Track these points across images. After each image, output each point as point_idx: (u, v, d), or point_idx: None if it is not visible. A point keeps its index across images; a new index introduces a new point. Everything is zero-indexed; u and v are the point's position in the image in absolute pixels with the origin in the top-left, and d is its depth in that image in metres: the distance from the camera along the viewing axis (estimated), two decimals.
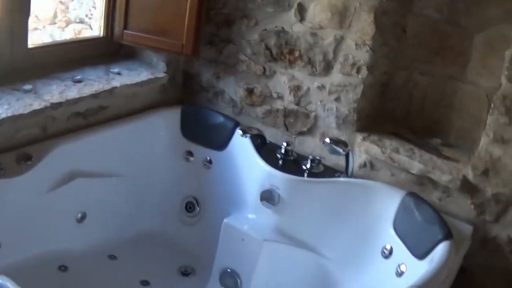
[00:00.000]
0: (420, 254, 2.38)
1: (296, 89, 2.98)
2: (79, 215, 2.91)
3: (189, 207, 3.22)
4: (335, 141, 2.69)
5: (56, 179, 2.78)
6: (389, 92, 3.01)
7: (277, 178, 2.81)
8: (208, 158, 3.12)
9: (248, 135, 2.89)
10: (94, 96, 2.84)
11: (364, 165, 2.86)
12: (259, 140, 2.95)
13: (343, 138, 2.84)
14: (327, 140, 2.69)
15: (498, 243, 2.67)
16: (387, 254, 2.61)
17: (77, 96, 2.78)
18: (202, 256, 3.07)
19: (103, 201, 3.01)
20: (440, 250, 2.31)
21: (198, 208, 3.20)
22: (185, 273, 3.03)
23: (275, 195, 2.79)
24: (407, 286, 2.08)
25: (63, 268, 2.81)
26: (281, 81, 3.02)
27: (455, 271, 2.52)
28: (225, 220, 2.85)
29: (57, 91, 2.77)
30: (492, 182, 2.58)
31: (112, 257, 3.02)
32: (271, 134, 3.09)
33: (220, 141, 3.07)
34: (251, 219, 2.89)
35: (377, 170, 2.83)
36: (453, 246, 2.35)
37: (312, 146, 3.00)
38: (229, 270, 2.85)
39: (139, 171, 3.14)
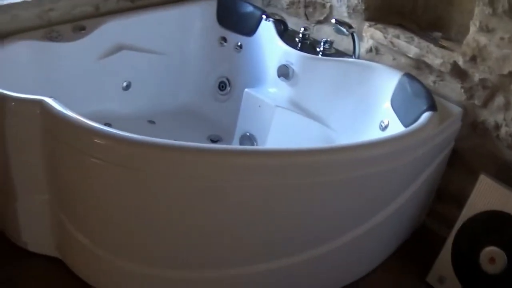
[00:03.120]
0: (408, 123, 2.65)
1: None
2: (125, 84, 3.37)
3: (222, 86, 3.65)
4: (340, 22, 3.04)
5: (105, 49, 3.23)
6: None
7: (292, 55, 3.19)
8: (239, 43, 3.52)
9: (271, 19, 3.29)
10: None
11: (370, 50, 3.20)
12: (281, 26, 3.33)
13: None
14: (333, 20, 3.04)
15: (486, 127, 2.92)
16: (384, 127, 2.92)
17: None
18: (229, 127, 3.47)
19: (146, 74, 3.44)
20: (423, 118, 2.60)
21: (229, 88, 3.63)
22: (213, 140, 3.48)
23: (289, 70, 3.18)
24: None
25: (107, 125, 3.22)
26: None
27: (440, 144, 2.78)
28: (246, 90, 3.27)
29: None
30: (479, 68, 2.82)
31: (151, 122, 3.48)
32: (294, 23, 3.46)
33: (250, 28, 3.46)
34: (269, 91, 3.30)
35: (381, 55, 3.17)
36: (436, 117, 2.64)
37: (328, 33, 3.35)
38: (247, 134, 3.29)
39: (179, 52, 3.56)
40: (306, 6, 3.40)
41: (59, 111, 2.28)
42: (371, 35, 3.12)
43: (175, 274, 2.49)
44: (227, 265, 2.49)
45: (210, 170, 2.18)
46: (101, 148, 2.19)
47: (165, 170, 2.18)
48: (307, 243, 2.53)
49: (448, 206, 3.18)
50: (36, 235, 2.75)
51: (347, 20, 3.20)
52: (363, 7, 3.16)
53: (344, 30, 3.03)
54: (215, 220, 2.32)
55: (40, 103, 2.32)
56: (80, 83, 3.15)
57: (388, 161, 2.45)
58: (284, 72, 3.20)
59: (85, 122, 2.20)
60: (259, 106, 3.22)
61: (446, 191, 3.18)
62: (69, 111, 2.26)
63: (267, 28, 3.36)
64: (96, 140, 2.18)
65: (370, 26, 3.14)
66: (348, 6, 3.21)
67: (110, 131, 2.16)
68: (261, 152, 2.29)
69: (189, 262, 2.46)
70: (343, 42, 3.26)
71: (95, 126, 2.18)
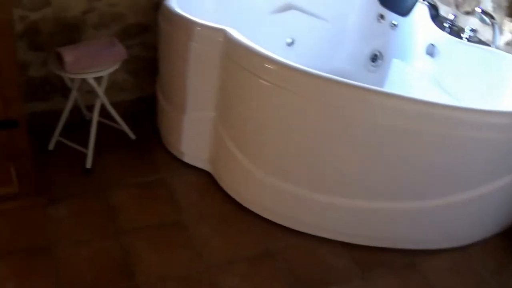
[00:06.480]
0: None
1: None
2: (289, 40, 3.92)
3: (374, 58, 4.12)
4: (485, 12, 3.41)
5: (278, 6, 3.83)
6: None
7: (441, 37, 3.59)
8: (395, 21, 3.96)
9: (427, 2, 3.73)
10: None
11: (508, 43, 3.56)
12: (433, 11, 3.76)
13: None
14: (479, 9, 3.43)
15: None
16: None
17: None
18: None
19: (309, 35, 3.98)
20: None
21: (380, 60, 4.08)
22: None
23: (436, 50, 3.60)
24: None
25: None
26: None
27: None
28: (394, 59, 3.76)
29: None
30: None
31: None
32: (445, 11, 3.85)
33: (406, 9, 3.88)
34: (415, 65, 3.74)
35: None
36: None
37: (473, 24, 3.68)
38: None
39: (340, 21, 4.09)
40: None
41: (240, 39, 2.85)
42: (510, 29, 3.48)
43: (323, 198, 2.97)
44: (361, 196, 2.96)
45: (358, 105, 2.68)
46: (270, 71, 2.74)
47: (321, 98, 2.71)
48: (429, 192, 2.94)
49: None
50: (194, 148, 3.32)
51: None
52: (507, 4, 3.51)
53: (486, 19, 3.41)
54: (351, 153, 2.82)
55: (223, 31, 2.91)
56: (251, 31, 3.55)
57: (506, 132, 2.80)
58: (431, 51, 3.62)
59: (259, 50, 2.77)
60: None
61: None
62: (247, 40, 2.82)
63: (421, 11, 3.78)
64: (266, 65, 2.74)
65: (511, 21, 3.50)
66: (493, 1, 3.56)
67: (279, 59, 2.71)
68: (404, 97, 2.70)
69: (337, 190, 2.94)
70: (486, 33, 3.63)
71: (267, 54, 2.74)
